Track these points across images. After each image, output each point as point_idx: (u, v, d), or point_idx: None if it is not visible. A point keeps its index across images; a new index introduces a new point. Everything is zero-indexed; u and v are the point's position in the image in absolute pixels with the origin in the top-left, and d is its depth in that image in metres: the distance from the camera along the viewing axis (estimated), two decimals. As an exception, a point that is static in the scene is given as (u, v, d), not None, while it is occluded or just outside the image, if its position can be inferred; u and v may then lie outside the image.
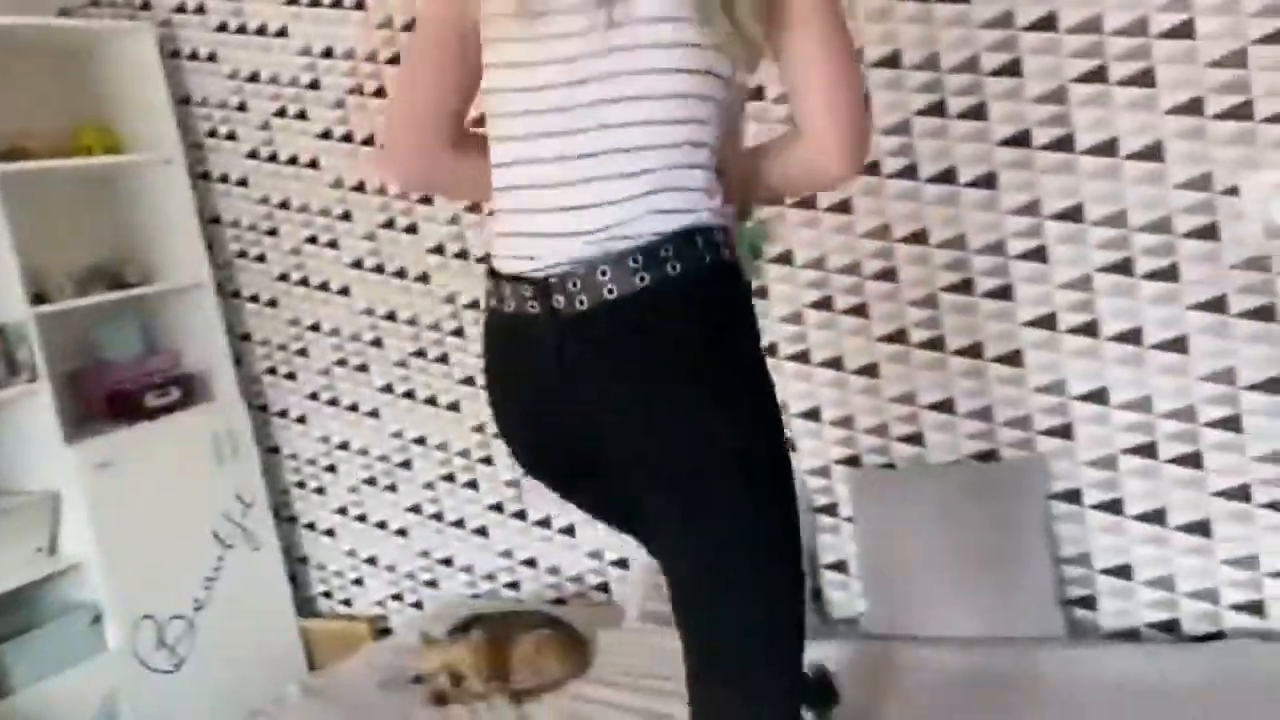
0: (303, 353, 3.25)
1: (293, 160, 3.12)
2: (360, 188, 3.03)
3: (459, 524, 3.13)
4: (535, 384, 1.32)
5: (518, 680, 2.43)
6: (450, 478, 3.11)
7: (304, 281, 3.19)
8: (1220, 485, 2.19)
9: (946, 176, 2.31)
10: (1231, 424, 2.16)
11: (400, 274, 3.03)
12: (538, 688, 2.41)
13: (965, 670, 2.19)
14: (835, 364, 2.51)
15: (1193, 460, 2.20)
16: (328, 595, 3.41)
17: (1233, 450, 2.17)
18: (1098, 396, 2.27)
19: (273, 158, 3.15)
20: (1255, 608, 2.20)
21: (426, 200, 2.93)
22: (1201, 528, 2.22)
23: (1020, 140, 2.23)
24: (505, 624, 2.53)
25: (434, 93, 1.39)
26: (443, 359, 3.03)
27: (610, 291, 1.24)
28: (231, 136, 3.19)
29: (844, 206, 2.41)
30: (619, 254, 1.24)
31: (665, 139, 1.25)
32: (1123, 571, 2.31)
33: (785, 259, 2.50)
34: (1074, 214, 2.21)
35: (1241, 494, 2.17)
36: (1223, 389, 2.15)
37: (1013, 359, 2.33)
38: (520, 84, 1.29)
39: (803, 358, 2.52)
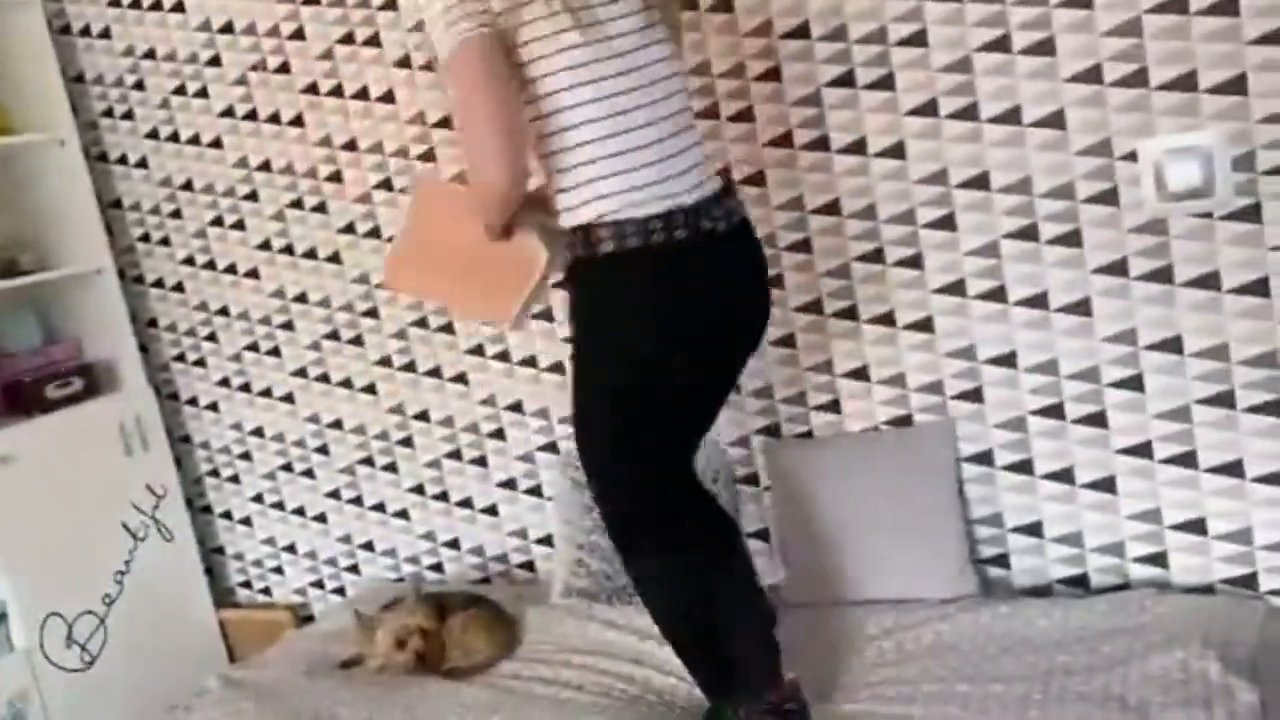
0: (212, 338, 3.17)
1: (195, 140, 3.03)
2: (266, 166, 2.95)
3: (379, 508, 3.09)
4: (701, 286, 1.82)
5: (449, 660, 2.42)
6: (369, 461, 3.06)
7: (211, 265, 3.11)
8: (1123, 443, 2.26)
9: (857, 147, 2.33)
10: (1133, 383, 2.23)
11: (310, 255, 2.97)
12: (470, 668, 2.40)
13: (883, 633, 2.24)
14: (752, 335, 2.53)
15: (1098, 419, 2.27)
16: (246, 585, 3.35)
17: (1135, 409, 2.24)
18: (1006, 360, 2.32)
19: (174, 137, 3.05)
20: (1158, 559, 2.28)
21: (335, 178, 2.87)
22: (1107, 484, 2.30)
23: (927, 110, 2.26)
24: (432, 605, 2.51)
25: (515, 104, 1.74)
26: (357, 341, 2.98)
27: (733, 217, 1.87)
28: (129, 116, 3.09)
29: (758, 179, 2.43)
30: (713, 195, 1.84)
31: (685, 104, 1.90)
32: (1033, 530, 2.38)
33: (700, 232, 2.50)
34: (980, 182, 2.26)
35: (1144, 451, 2.25)
36: (1124, 349, 2.22)
37: (924, 326, 2.37)
38: (593, 76, 1.75)
39: (720, 330, 2.53)
